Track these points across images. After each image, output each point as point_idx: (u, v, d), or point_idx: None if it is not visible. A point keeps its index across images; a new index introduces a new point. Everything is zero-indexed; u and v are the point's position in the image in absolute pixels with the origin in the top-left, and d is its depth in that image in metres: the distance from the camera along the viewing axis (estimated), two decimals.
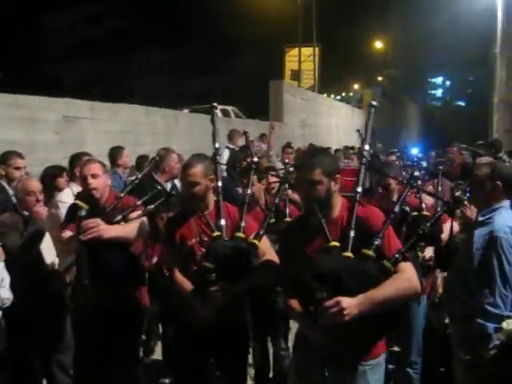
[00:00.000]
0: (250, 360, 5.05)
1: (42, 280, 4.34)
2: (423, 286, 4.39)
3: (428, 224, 3.16)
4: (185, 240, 3.61)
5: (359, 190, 2.97)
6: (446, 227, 4.35)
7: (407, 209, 4.21)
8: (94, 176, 3.96)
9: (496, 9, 19.68)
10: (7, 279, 4.05)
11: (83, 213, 3.70)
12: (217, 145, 3.97)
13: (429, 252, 4.26)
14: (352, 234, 2.80)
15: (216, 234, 3.47)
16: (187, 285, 3.52)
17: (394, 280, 2.73)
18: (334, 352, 2.78)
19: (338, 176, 2.95)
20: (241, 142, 10.13)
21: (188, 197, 3.67)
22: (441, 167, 5.85)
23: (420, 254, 4.16)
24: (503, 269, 3.40)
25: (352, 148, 14.92)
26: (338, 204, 2.97)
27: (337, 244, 2.77)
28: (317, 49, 29.76)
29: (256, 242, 3.40)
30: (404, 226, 3.84)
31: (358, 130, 7.04)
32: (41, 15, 50.22)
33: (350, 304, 2.59)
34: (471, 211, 4.39)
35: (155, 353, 5.83)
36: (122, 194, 4.04)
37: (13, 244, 4.33)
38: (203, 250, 3.53)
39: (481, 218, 3.71)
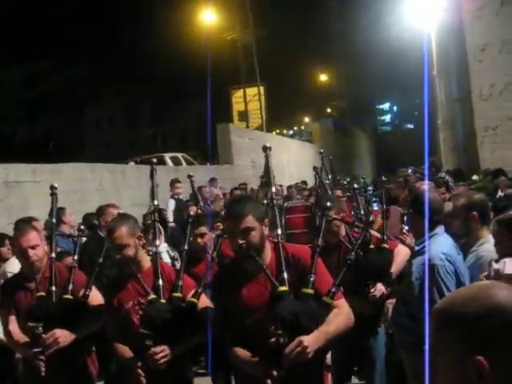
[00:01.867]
0: None
1: None
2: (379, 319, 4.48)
3: (353, 253, 3.27)
4: (121, 304, 3.52)
5: (279, 231, 3.10)
6: (399, 257, 4.40)
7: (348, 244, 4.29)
8: (33, 247, 3.78)
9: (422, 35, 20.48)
10: None
11: (39, 330, 3.51)
12: (155, 202, 3.99)
13: (379, 289, 4.23)
14: (285, 275, 2.89)
15: (151, 297, 3.40)
16: (125, 351, 3.45)
17: (337, 316, 2.90)
18: None
19: (266, 220, 3.03)
20: (180, 190, 10.21)
21: (120, 260, 3.59)
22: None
23: (371, 290, 4.19)
24: (444, 295, 3.41)
25: (305, 183, 15.06)
26: (268, 247, 3.04)
27: (286, 288, 2.84)
28: (261, 88, 30.24)
29: (194, 300, 3.39)
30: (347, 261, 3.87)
31: (314, 168, 7.10)
32: None
33: (310, 341, 2.70)
34: (410, 239, 4.49)
35: None
36: (72, 264, 3.94)
37: None
38: (140, 313, 3.46)
39: (416, 248, 3.79)
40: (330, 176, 6.29)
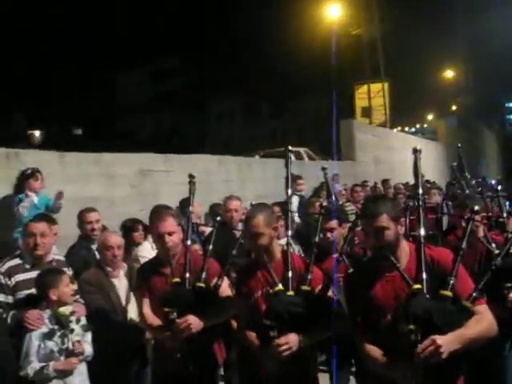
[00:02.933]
0: None
1: (122, 335, 4.44)
2: None
3: (499, 258, 3.11)
4: (251, 292, 3.57)
5: (422, 232, 2.99)
6: None
7: (493, 246, 4.06)
8: (170, 234, 3.89)
9: None
10: (89, 334, 4.17)
11: (174, 316, 3.61)
12: (289, 191, 3.97)
13: None
14: (424, 276, 2.83)
15: (278, 288, 3.40)
16: (253, 339, 3.48)
17: (478, 321, 2.78)
18: None
19: (402, 219, 2.99)
20: (303, 187, 10.10)
21: (253, 248, 3.65)
22: None
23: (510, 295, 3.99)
24: None
25: (433, 183, 14.57)
26: (405, 247, 3.00)
27: (420, 287, 2.79)
28: (386, 84, 29.66)
29: (323, 293, 3.42)
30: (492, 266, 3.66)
31: (452, 166, 6.80)
32: (116, 73, 52.65)
33: (445, 342, 2.62)
34: None
35: None
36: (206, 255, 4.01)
37: (96, 303, 4.47)
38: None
39: None
40: (466, 174, 5.97)
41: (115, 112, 52.35)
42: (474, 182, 10.31)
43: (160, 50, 48.59)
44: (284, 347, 3.25)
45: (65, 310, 4.06)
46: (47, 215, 5.35)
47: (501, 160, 53.56)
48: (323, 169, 5.95)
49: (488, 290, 3.73)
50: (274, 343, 3.25)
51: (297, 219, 9.02)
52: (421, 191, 3.26)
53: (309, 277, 3.44)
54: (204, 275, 3.78)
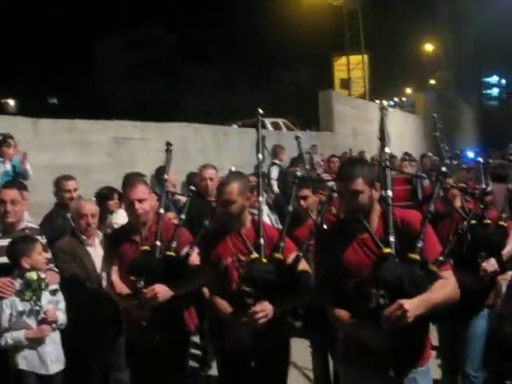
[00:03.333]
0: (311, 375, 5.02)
1: (97, 303, 4.40)
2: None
3: (465, 223, 3.11)
4: (220, 259, 3.54)
5: (389, 193, 2.98)
6: None
7: (464, 214, 4.06)
8: (140, 201, 3.82)
9: None
10: (63, 303, 4.12)
11: (141, 285, 3.55)
12: (260, 156, 3.90)
13: (492, 264, 4.06)
14: (392, 238, 2.84)
15: (254, 256, 3.38)
16: (225, 307, 3.44)
17: (443, 286, 2.81)
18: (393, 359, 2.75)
19: (377, 184, 2.96)
20: (284, 156, 10.04)
21: (223, 215, 3.62)
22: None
23: (483, 264, 4.03)
24: None
25: (407, 154, 14.63)
26: (377, 210, 2.99)
27: (391, 251, 2.78)
28: (365, 56, 29.60)
29: (295, 263, 3.39)
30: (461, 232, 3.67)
31: (434, 135, 6.79)
32: (91, 43, 51.74)
33: (411, 306, 2.63)
34: None
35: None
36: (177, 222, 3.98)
37: (71, 271, 4.42)
38: (240, 269, 3.46)
39: None
40: (444, 145, 5.95)
41: (91, 81, 51.59)
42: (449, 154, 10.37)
43: (138, 18, 47.77)
44: (260, 315, 3.22)
45: (32, 274, 3.99)
46: (18, 182, 5.26)
47: (478, 133, 54.05)
48: (297, 137, 5.89)
49: (463, 260, 3.81)
50: (251, 311, 3.22)
51: (276, 189, 9.02)
52: (387, 150, 3.22)
53: (281, 244, 3.41)
54: (174, 244, 3.72)
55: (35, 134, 7.33)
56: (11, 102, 38.40)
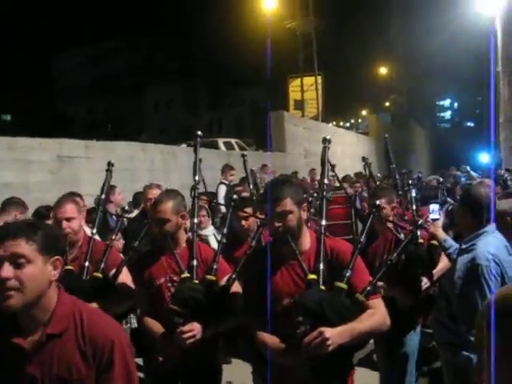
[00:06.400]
0: None
1: None
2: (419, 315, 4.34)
3: (395, 254, 3.15)
4: (153, 279, 3.50)
5: (323, 222, 2.98)
6: (443, 263, 4.29)
7: (401, 236, 4.14)
8: (68, 220, 3.73)
9: (491, 29, 19.66)
10: None
11: None
12: (196, 177, 3.92)
13: (425, 282, 4.11)
14: (322, 266, 2.80)
15: (184, 275, 3.32)
16: (157, 327, 3.41)
17: (371, 316, 2.76)
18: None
19: (305, 204, 2.94)
20: (232, 176, 10.07)
21: (158, 234, 3.57)
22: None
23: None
24: (485, 298, 3.20)
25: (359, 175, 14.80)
26: (308, 235, 2.96)
27: (315, 277, 2.75)
28: (319, 77, 29.96)
29: (227, 285, 3.31)
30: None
31: (363, 158, 6.99)
32: (50, 58, 51.16)
33: (333, 334, 2.57)
34: (434, 227, 4.32)
35: None
36: (110, 243, 3.84)
37: None
38: (172, 289, 3.42)
39: (464, 246, 3.58)
40: (393, 166, 6.09)
41: (49, 97, 50.95)
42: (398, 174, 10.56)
43: (100, 33, 47.60)
44: (188, 334, 3.16)
45: None
46: None
47: (430, 155, 55.13)
48: (242, 155, 5.94)
49: (400, 277, 3.87)
50: (178, 330, 3.17)
51: (223, 208, 9.01)
52: (326, 181, 3.26)
53: (214, 266, 3.36)
54: (103, 265, 3.63)
55: None
56: None
